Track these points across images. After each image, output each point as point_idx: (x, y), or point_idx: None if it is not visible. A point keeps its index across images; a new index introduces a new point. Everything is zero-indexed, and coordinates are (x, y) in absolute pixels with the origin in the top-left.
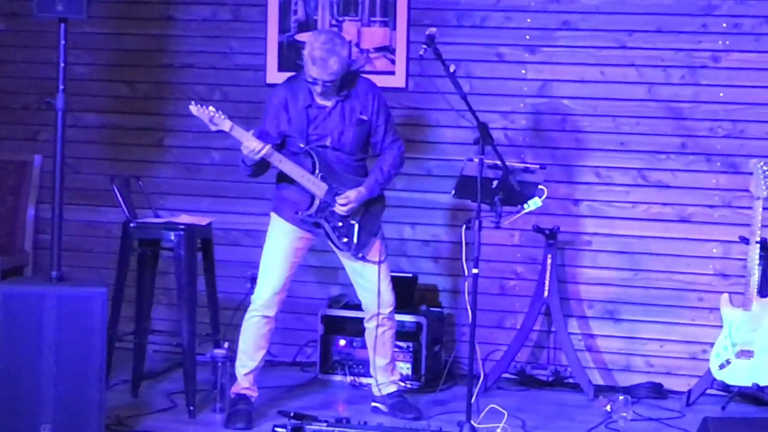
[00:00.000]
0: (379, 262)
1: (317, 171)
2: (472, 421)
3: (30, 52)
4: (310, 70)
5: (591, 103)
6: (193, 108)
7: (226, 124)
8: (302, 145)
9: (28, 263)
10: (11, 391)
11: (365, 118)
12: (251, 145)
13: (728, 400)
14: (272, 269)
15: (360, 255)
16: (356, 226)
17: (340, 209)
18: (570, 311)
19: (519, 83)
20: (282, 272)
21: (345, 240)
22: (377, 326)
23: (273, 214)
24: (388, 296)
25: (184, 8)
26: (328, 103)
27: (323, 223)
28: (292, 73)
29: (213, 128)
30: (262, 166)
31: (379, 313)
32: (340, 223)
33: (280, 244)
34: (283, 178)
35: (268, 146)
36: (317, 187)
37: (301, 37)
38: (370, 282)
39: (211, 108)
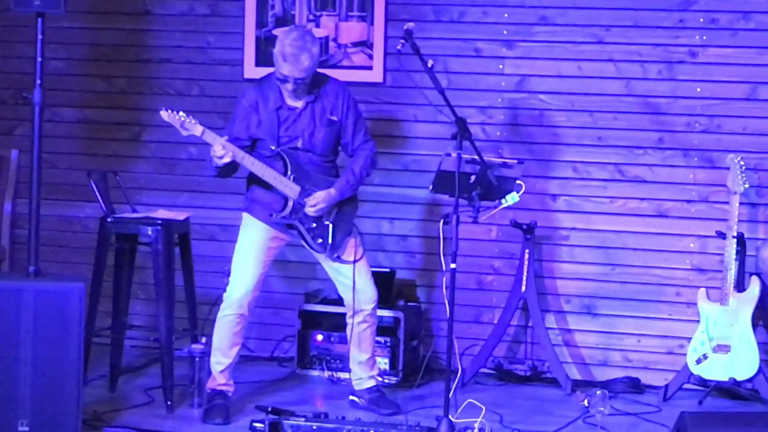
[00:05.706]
0: (354, 261)
1: (289, 173)
2: (450, 416)
3: (5, 47)
4: (281, 68)
5: (568, 98)
6: (164, 114)
7: (197, 129)
8: (273, 147)
9: (5, 258)
10: None
11: (335, 118)
12: (219, 151)
13: (705, 395)
14: (245, 268)
15: (335, 255)
16: (330, 227)
17: (309, 210)
18: (547, 306)
19: (497, 78)
20: (255, 271)
21: (320, 241)
22: (358, 323)
23: (245, 214)
24: (370, 293)
25: (161, 3)
26: (299, 105)
27: (297, 225)
28: (270, 69)
29: (184, 133)
30: (229, 168)
31: (361, 310)
32: (314, 224)
33: (253, 243)
34: (254, 179)
35: (232, 153)
36: (290, 189)
37: (278, 32)
38: (349, 279)
39: (181, 113)
